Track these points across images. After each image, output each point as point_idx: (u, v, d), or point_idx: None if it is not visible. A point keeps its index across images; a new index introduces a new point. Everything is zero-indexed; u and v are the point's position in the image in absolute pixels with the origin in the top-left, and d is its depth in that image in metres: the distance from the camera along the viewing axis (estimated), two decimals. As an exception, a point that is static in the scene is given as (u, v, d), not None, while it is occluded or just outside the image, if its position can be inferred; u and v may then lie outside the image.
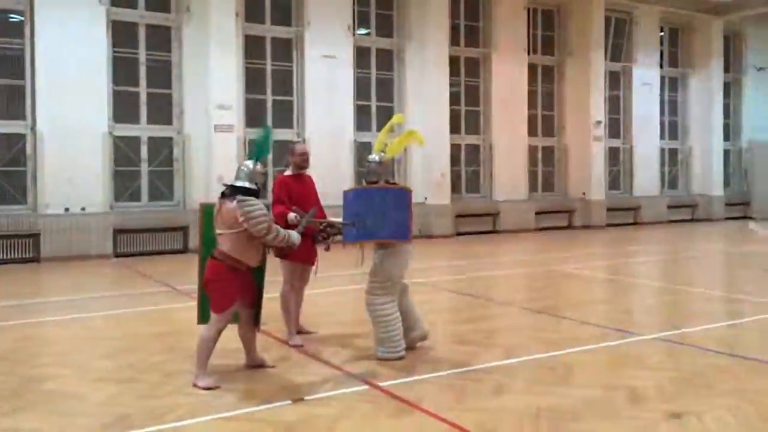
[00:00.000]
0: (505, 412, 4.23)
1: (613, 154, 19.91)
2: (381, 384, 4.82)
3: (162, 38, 13.65)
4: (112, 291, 9.48)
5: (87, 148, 12.56)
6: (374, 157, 5.68)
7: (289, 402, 4.47)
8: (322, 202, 6.31)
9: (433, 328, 6.53)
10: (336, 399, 4.55)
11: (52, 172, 12.29)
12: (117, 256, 12.62)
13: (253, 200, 4.60)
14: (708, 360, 5.52)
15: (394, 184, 5.78)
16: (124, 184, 13.29)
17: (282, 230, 4.71)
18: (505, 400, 4.49)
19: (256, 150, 4.89)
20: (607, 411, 4.26)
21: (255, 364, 5.25)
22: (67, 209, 12.40)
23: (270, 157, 12.88)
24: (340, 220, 5.66)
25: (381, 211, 5.37)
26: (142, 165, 13.45)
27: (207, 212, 5.07)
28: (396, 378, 4.97)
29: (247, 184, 4.72)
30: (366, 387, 4.79)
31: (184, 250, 13.25)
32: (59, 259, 12.02)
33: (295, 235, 4.81)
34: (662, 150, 21.03)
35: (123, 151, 13.24)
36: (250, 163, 4.83)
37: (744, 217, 21.93)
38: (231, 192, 4.71)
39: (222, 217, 4.75)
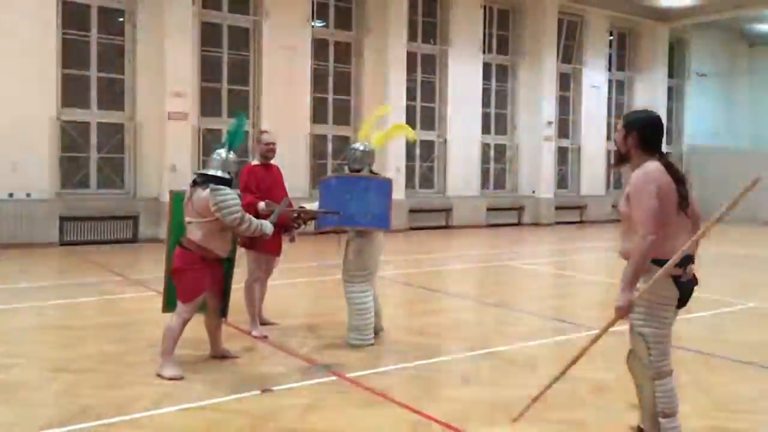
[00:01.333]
0: (474, 403, 4.31)
1: (561, 154, 20.37)
2: (349, 375, 4.84)
3: (114, 21, 13.28)
4: (62, 279, 9.20)
5: (33, 133, 12.11)
6: (358, 145, 5.74)
7: (257, 393, 4.45)
8: (282, 193, 6.27)
9: (395, 320, 6.60)
10: (304, 389, 4.55)
11: (-5, 156, 11.82)
12: (63, 244, 12.25)
13: (226, 190, 4.54)
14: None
15: (377, 174, 5.84)
16: (71, 171, 12.89)
17: (255, 220, 4.67)
18: (473, 390, 4.58)
19: (229, 138, 4.82)
20: (574, 401, 4.39)
21: (219, 355, 5.20)
22: (11, 195, 11.95)
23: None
24: (315, 207, 5.66)
25: (364, 199, 5.43)
26: (91, 151, 13.06)
27: (176, 200, 4.97)
28: (363, 369, 5.00)
29: (219, 173, 4.65)
30: (334, 378, 4.80)
31: (134, 240, 12.98)
32: (2, 246, 11.58)
33: (268, 226, 4.77)
34: (608, 151, 21.61)
35: (71, 137, 12.83)
36: (223, 152, 4.75)
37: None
38: (203, 180, 4.63)
39: (193, 205, 4.67)
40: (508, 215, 18.73)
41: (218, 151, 4.80)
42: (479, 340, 5.97)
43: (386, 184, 5.68)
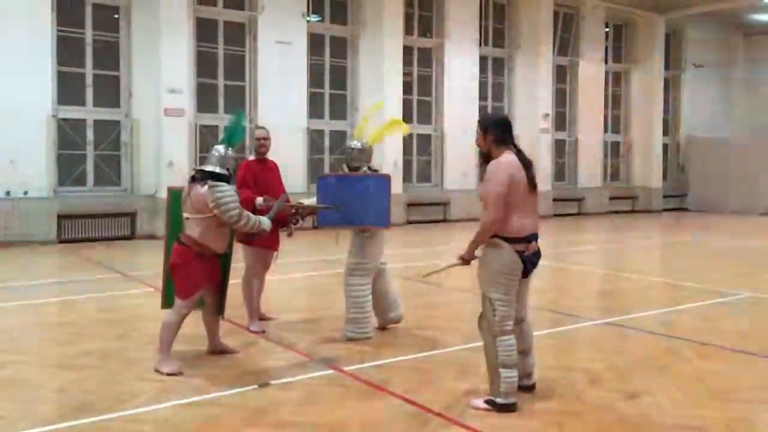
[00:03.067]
0: (471, 394, 4.34)
1: (559, 146, 20.37)
2: (346, 368, 4.88)
3: (110, 18, 13.26)
4: (61, 277, 9.23)
5: (30, 130, 12.11)
6: (356, 143, 5.75)
7: (255, 387, 4.48)
8: (278, 189, 6.29)
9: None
10: (302, 383, 4.58)
11: (-8, 155, 11.82)
12: (61, 241, 12.27)
13: (224, 186, 4.55)
14: (656, 343, 5.79)
15: (375, 171, 5.86)
16: (68, 168, 12.90)
17: (253, 216, 4.68)
18: (471, 382, 4.61)
19: (227, 135, 4.84)
20: (569, 392, 4.43)
21: (218, 350, 5.23)
22: (8, 193, 11.97)
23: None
24: (313, 202, 5.68)
25: (363, 198, 5.46)
26: (88, 149, 13.08)
27: (174, 196, 4.99)
28: (361, 362, 5.04)
29: (218, 170, 4.67)
30: (331, 371, 4.83)
31: (132, 237, 13.00)
32: (0, 244, 11.60)
33: (266, 221, 4.78)
34: (605, 143, 21.65)
35: (68, 134, 12.83)
36: (221, 148, 4.77)
37: (680, 209, 22.81)
38: (201, 177, 4.65)
39: (191, 201, 4.68)
40: (506, 208, 18.69)
41: (217, 147, 4.81)
42: (476, 333, 5.97)
43: (384, 182, 5.68)
